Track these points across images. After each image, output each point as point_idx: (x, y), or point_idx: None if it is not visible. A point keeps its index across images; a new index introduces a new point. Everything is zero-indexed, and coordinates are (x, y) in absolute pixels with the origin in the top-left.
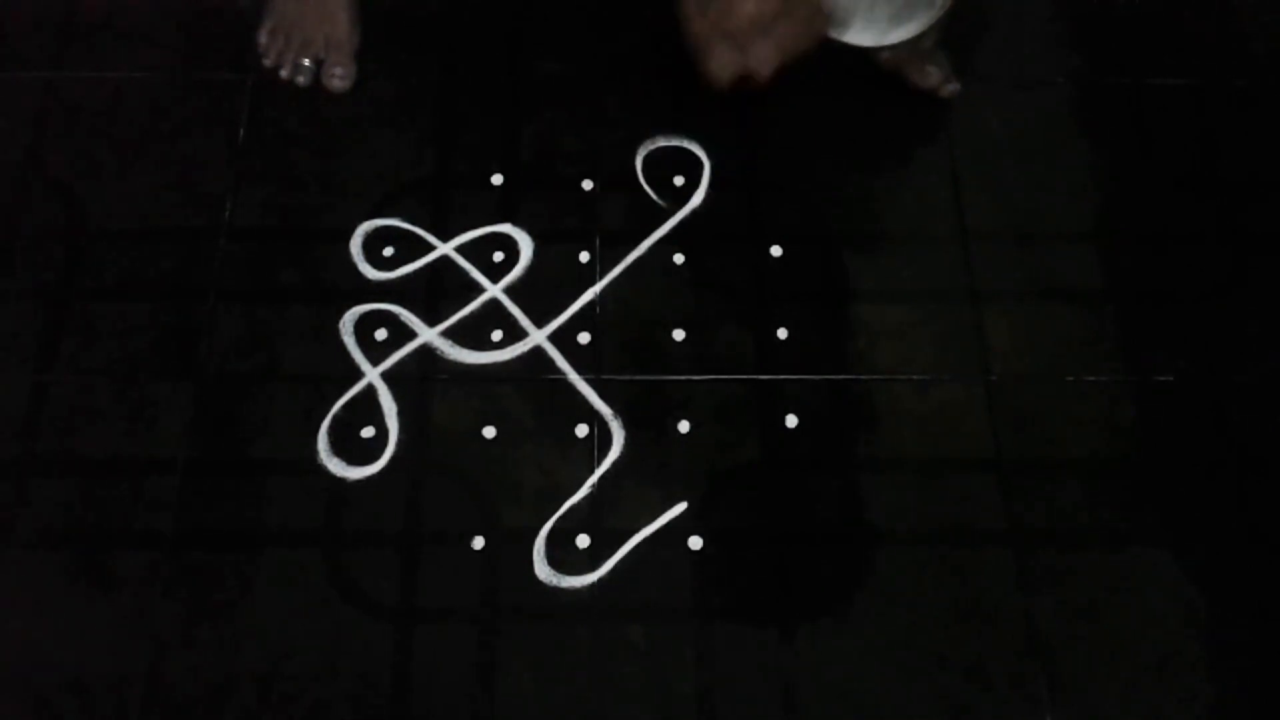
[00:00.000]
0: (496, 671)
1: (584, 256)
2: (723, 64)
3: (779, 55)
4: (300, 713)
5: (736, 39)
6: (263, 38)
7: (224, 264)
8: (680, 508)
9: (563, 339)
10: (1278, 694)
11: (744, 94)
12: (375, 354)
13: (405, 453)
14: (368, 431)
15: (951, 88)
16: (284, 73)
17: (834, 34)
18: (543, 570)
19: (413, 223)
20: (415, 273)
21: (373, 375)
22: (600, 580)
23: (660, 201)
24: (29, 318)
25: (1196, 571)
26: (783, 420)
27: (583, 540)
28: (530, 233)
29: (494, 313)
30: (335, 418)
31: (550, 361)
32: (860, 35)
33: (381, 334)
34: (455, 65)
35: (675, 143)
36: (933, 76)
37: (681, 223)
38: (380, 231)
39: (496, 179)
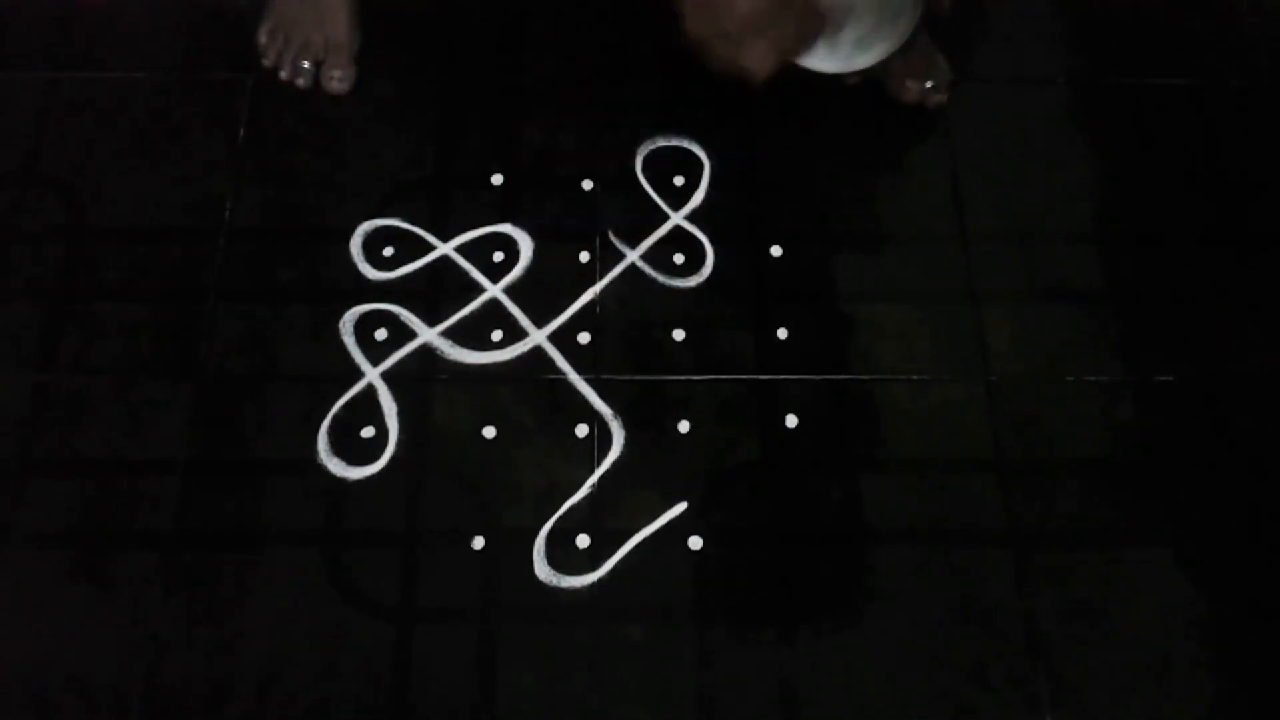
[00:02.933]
0: (496, 671)
1: (584, 256)
2: (720, 61)
3: (774, 55)
4: (300, 713)
5: (732, 37)
6: (262, 38)
7: (224, 264)
8: (680, 508)
9: (563, 339)
10: (1278, 694)
11: (745, 87)
12: (375, 354)
13: (405, 453)
14: (368, 431)
15: (938, 98)
16: (283, 74)
17: (799, 61)
18: (543, 570)
19: (413, 223)
20: (415, 273)
21: (373, 375)
22: (600, 580)
23: (662, 203)
24: (29, 318)
25: (1196, 571)
26: (783, 420)
27: (583, 540)
28: (530, 233)
29: (494, 313)
30: (335, 418)
31: (550, 361)
32: (824, 63)
33: (381, 334)
34: (455, 65)
35: (675, 143)
36: (913, 91)
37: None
38: (380, 231)
39: (496, 179)
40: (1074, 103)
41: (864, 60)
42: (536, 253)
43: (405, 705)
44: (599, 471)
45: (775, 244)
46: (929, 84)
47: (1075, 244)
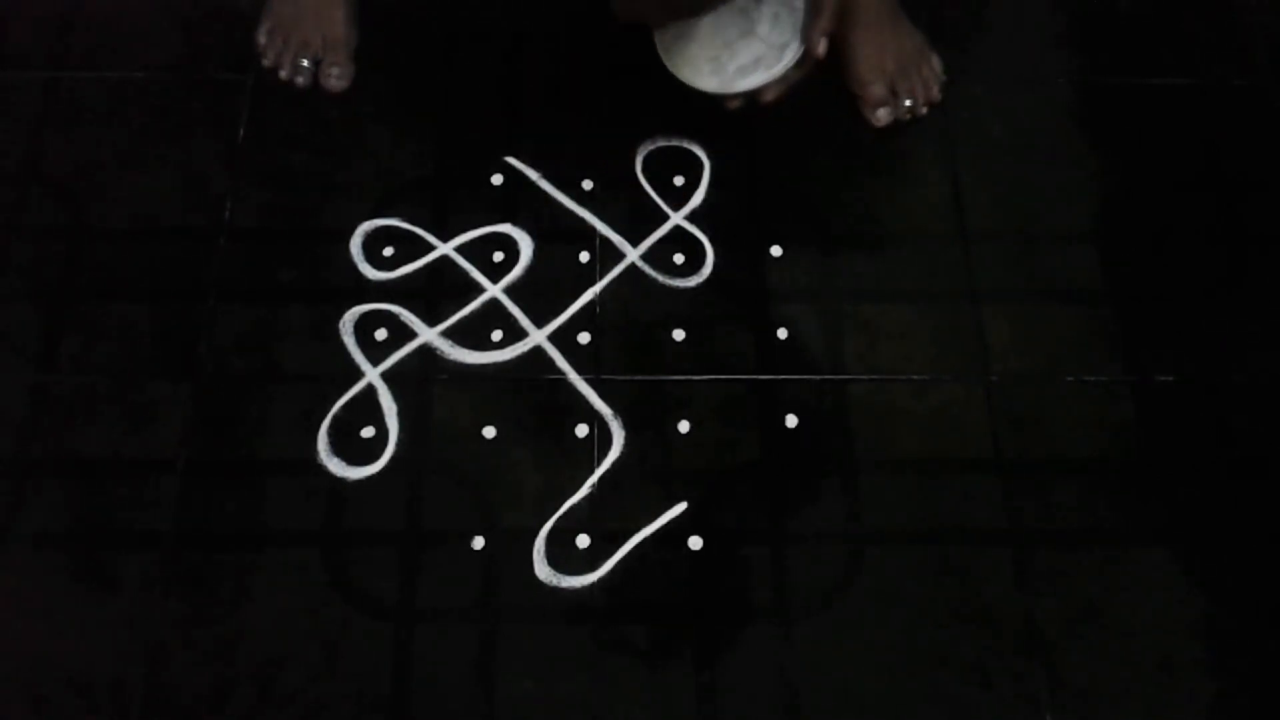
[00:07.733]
0: (496, 671)
1: (584, 256)
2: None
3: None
4: (300, 713)
5: None
6: (261, 38)
7: (224, 264)
8: (680, 508)
9: (563, 339)
10: (1278, 694)
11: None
12: (375, 354)
13: (405, 453)
14: (368, 431)
15: (921, 111)
16: (283, 73)
17: (680, 76)
18: (543, 570)
19: (413, 223)
20: (415, 273)
21: (373, 375)
22: (600, 580)
23: (661, 202)
24: (29, 318)
25: (1196, 571)
26: (783, 420)
27: (583, 540)
28: (530, 233)
29: (494, 313)
30: (335, 418)
31: (550, 361)
32: (706, 81)
33: (381, 334)
34: (455, 65)
35: (675, 143)
36: (882, 119)
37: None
38: (380, 231)
39: (496, 179)
40: (1074, 103)
41: (746, 84)
42: (536, 253)
43: (405, 705)
44: (599, 471)
45: (775, 244)
46: (906, 103)
47: (1075, 244)
